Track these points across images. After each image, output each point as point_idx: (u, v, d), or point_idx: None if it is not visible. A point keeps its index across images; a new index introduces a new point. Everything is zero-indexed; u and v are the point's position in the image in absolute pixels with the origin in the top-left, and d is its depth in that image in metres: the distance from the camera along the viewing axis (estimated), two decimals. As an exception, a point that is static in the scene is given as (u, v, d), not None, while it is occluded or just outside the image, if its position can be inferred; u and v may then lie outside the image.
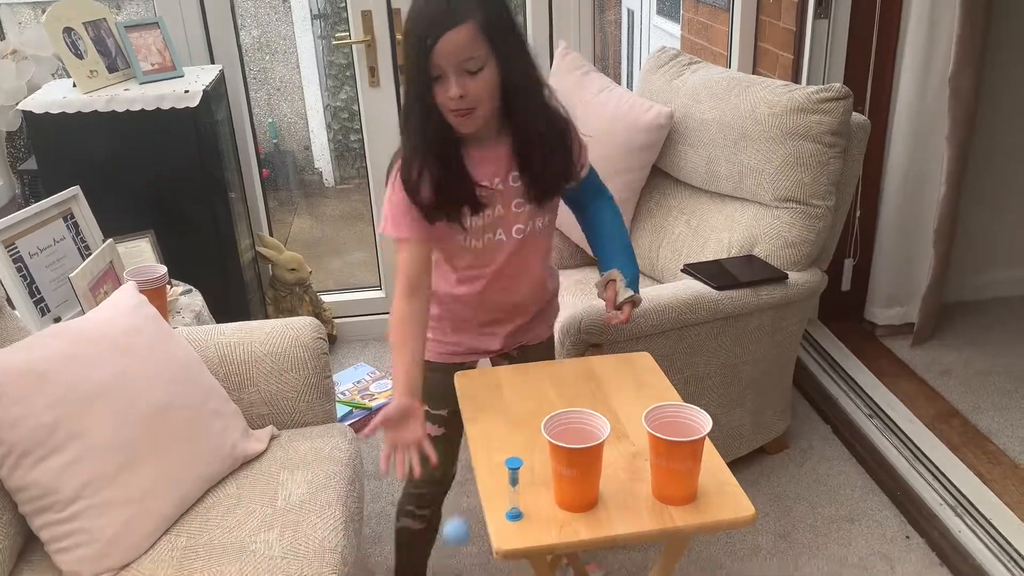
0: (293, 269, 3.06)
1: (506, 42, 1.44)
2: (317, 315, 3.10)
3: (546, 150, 1.55)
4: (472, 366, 1.79)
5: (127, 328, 1.74)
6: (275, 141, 4.98)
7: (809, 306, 2.45)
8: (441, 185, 1.51)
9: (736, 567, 2.13)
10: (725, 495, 1.35)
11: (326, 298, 3.27)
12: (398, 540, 1.93)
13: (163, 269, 2.19)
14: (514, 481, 1.31)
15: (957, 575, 2.07)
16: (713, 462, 1.42)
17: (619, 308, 1.67)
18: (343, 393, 2.87)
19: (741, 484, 1.36)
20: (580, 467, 1.30)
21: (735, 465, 1.43)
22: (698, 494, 1.35)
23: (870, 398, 2.64)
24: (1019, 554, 2.00)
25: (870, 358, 2.84)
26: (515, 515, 1.32)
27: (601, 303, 1.75)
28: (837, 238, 2.41)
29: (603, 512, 1.33)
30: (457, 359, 1.77)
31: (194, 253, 2.64)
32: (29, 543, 1.60)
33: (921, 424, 2.49)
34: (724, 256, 2.32)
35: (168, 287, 2.28)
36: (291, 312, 3.05)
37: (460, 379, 1.69)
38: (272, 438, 1.87)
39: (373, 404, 2.80)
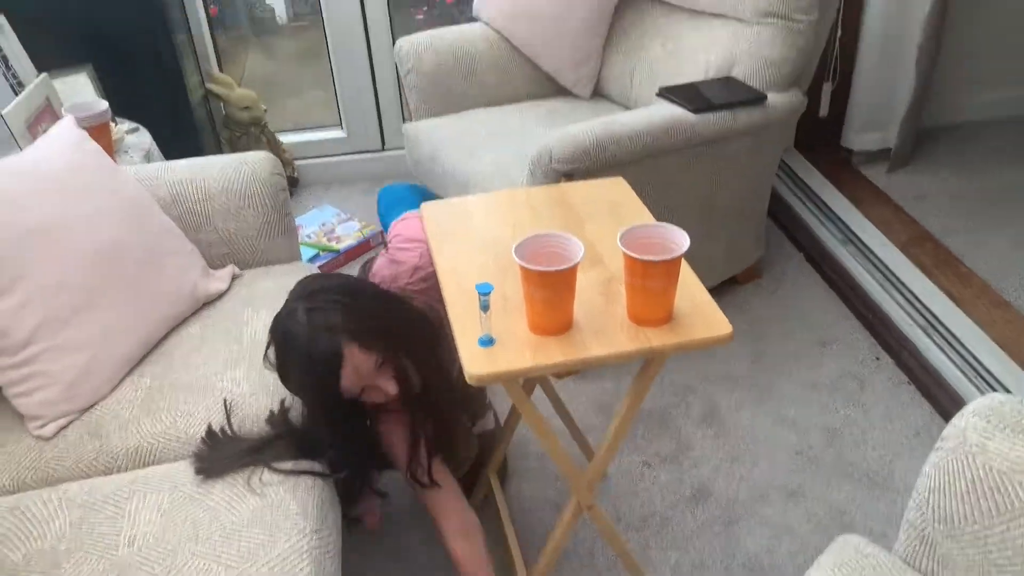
0: (247, 107, 2.90)
1: (377, 336, 1.41)
2: (276, 156, 2.97)
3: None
4: None
5: (68, 164, 1.62)
6: (221, -25, 4.63)
7: (787, 131, 2.37)
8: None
9: (709, 391, 2.15)
10: (702, 315, 1.32)
11: (285, 139, 3.13)
12: None
13: (104, 104, 2.04)
14: (485, 306, 1.26)
15: (924, 391, 2.11)
16: (689, 282, 1.38)
17: None
18: (308, 236, 2.79)
19: (719, 304, 1.33)
20: (553, 289, 1.25)
21: (709, 293, 1.39)
22: (675, 315, 1.32)
23: (844, 224, 2.61)
24: (986, 370, 2.03)
25: (845, 185, 2.79)
26: (487, 341, 1.28)
27: (572, 128, 1.74)
28: (818, 57, 2.30)
29: (577, 335, 1.29)
30: None
31: (138, 90, 2.48)
32: (-13, 389, 1.56)
33: (895, 248, 2.48)
34: (702, 79, 2.21)
35: (112, 125, 2.14)
36: (249, 154, 2.92)
37: (426, 208, 1.62)
38: (234, 277, 1.81)
39: (340, 247, 2.73)
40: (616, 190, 1.66)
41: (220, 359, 1.57)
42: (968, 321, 2.18)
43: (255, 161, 1.85)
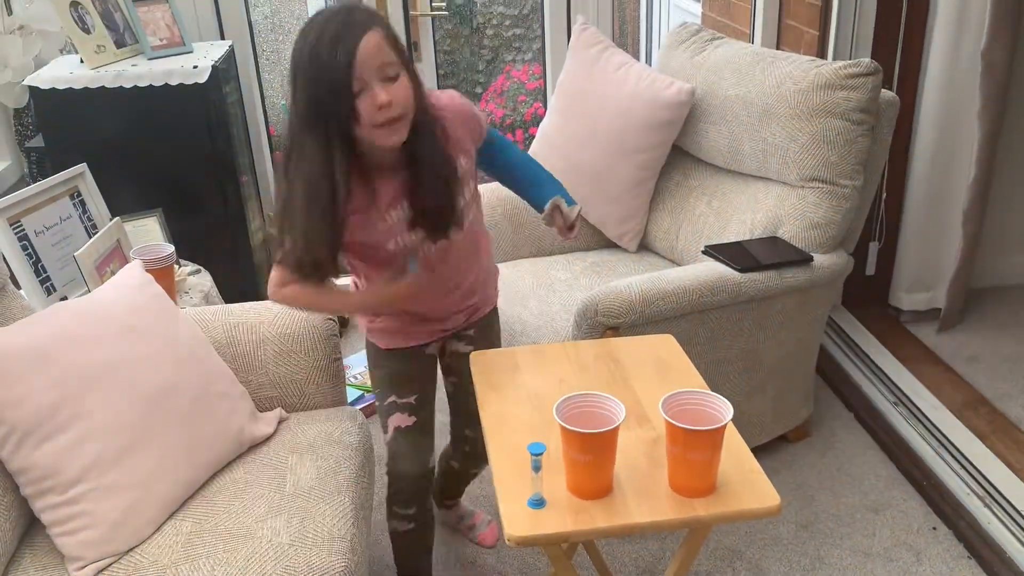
0: (304, 250, 3.00)
1: (406, 55, 1.44)
2: (329, 297, 3.04)
3: (439, 185, 1.52)
4: (428, 347, 1.77)
5: (132, 307, 1.69)
6: (288, 123, 4.90)
7: (834, 290, 2.38)
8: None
9: (757, 556, 2.07)
10: (749, 484, 1.30)
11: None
12: (392, 543, 1.83)
13: (171, 248, 2.14)
14: (537, 467, 1.25)
15: (985, 567, 2.00)
16: (737, 448, 1.36)
17: (571, 227, 1.65)
18: (354, 377, 2.82)
19: (766, 472, 1.30)
20: (594, 452, 1.25)
21: (756, 453, 1.37)
22: (721, 482, 1.29)
23: (895, 385, 2.56)
24: (1052, 546, 1.93)
25: (895, 344, 2.76)
26: (537, 502, 1.26)
27: (618, 284, 1.85)
28: (864, 220, 2.34)
29: (621, 499, 1.27)
30: (413, 343, 1.75)
31: (203, 233, 2.60)
32: (32, 526, 1.57)
33: (948, 411, 2.42)
34: (747, 238, 2.25)
35: (176, 267, 2.23)
36: (302, 294, 3.00)
37: (475, 359, 1.64)
38: (280, 421, 1.83)
39: (385, 388, 2.75)
40: (664, 347, 1.67)
41: (262, 507, 1.57)
42: (1029, 493, 2.09)
43: (309, 307, 1.90)
